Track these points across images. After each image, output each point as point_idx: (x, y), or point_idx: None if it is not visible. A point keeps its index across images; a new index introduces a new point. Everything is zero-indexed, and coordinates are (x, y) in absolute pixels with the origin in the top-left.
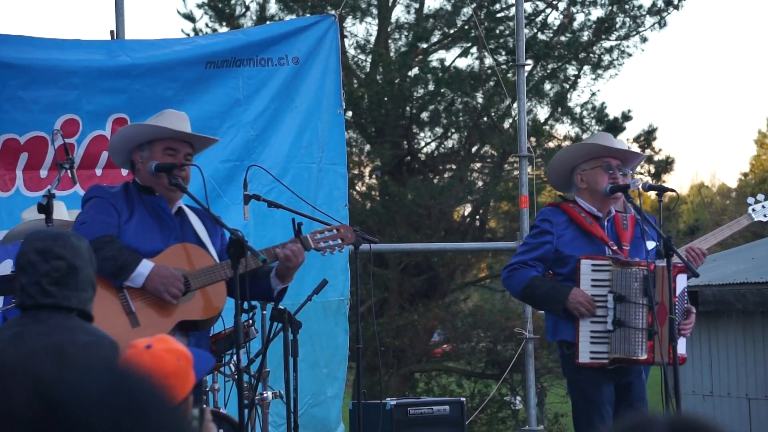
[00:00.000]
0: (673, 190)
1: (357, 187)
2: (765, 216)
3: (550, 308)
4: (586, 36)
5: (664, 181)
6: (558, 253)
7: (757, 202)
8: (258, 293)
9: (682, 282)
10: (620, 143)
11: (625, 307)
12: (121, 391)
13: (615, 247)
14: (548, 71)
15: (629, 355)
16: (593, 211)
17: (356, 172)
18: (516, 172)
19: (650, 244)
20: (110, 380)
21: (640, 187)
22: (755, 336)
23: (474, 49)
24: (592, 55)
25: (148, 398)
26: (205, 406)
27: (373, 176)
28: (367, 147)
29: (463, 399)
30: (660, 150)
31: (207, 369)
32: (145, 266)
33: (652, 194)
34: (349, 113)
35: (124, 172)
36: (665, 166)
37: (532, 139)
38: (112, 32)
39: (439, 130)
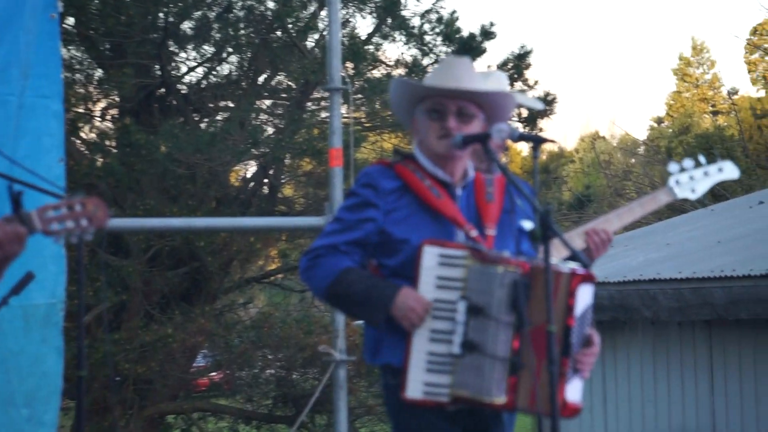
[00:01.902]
0: (553, 142)
1: (82, 133)
2: (693, 190)
3: (367, 315)
4: None
5: (541, 130)
6: (385, 234)
7: (682, 170)
8: None
9: (585, 296)
10: (467, 74)
11: (481, 323)
12: None
13: (474, 232)
14: None
15: (479, 394)
16: (439, 175)
17: (81, 110)
18: (324, 114)
19: (526, 225)
20: None
21: (505, 136)
22: (670, 357)
23: None
24: None
25: None
26: None
27: (109, 116)
28: (99, 73)
29: None
30: (536, 83)
31: None
32: None
33: (524, 147)
34: (71, 20)
35: None
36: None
37: (348, 64)
38: None
39: (208, 50)
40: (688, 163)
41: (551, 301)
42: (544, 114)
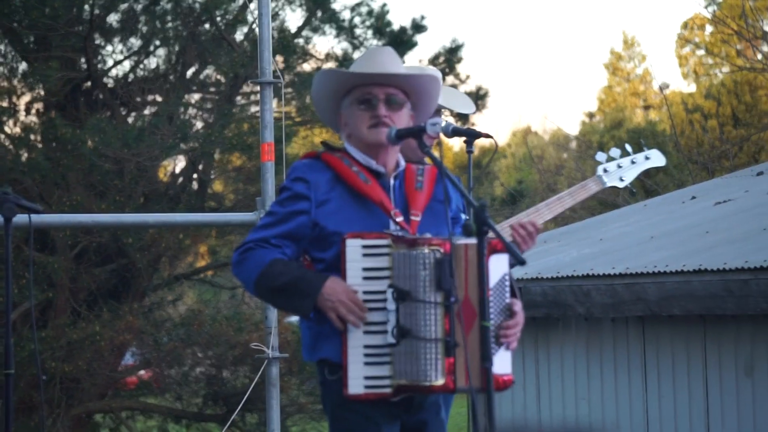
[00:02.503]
0: (489, 136)
1: (6, 128)
2: (621, 179)
3: (294, 306)
4: None
5: (473, 124)
6: (318, 228)
7: (610, 159)
8: None
9: (498, 266)
10: (393, 61)
11: (410, 308)
12: None
13: (400, 218)
14: None
15: (418, 379)
16: (370, 164)
17: (5, 104)
18: (254, 108)
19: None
20: None
21: (440, 131)
22: (603, 354)
23: None
24: None
25: None
26: None
27: (34, 110)
28: (23, 66)
29: None
30: (468, 78)
31: None
32: None
33: (456, 142)
34: None
35: None
36: (475, 101)
37: (279, 58)
38: None
39: (135, 42)
40: (615, 151)
41: (482, 278)
42: (476, 107)
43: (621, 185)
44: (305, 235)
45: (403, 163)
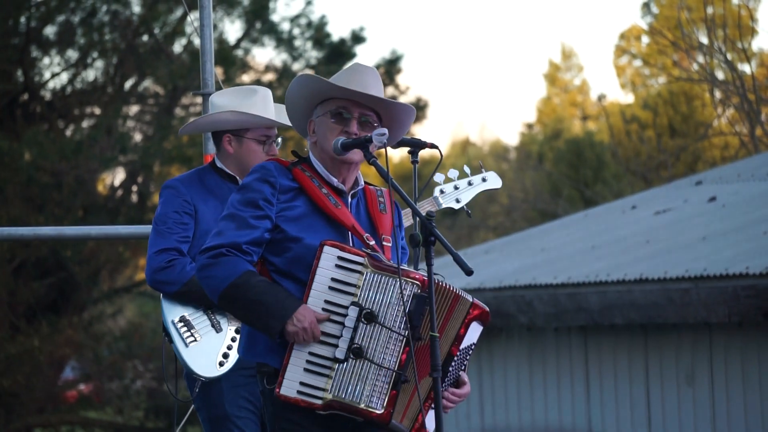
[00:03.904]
0: (434, 146)
1: None
2: (458, 200)
3: (262, 324)
4: None
5: (413, 135)
6: (277, 231)
7: (447, 180)
8: None
9: (474, 333)
10: (376, 83)
11: (373, 331)
12: None
13: (372, 242)
14: None
15: (357, 401)
16: (332, 181)
17: None
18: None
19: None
20: None
21: (386, 141)
22: (546, 363)
23: None
24: None
25: None
26: None
27: None
28: None
29: None
30: (408, 89)
31: None
32: None
33: (398, 153)
34: None
35: None
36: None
37: (219, 69)
38: None
39: (73, 55)
40: (453, 173)
41: (432, 316)
42: (416, 118)
43: (457, 206)
44: (267, 240)
45: (362, 181)
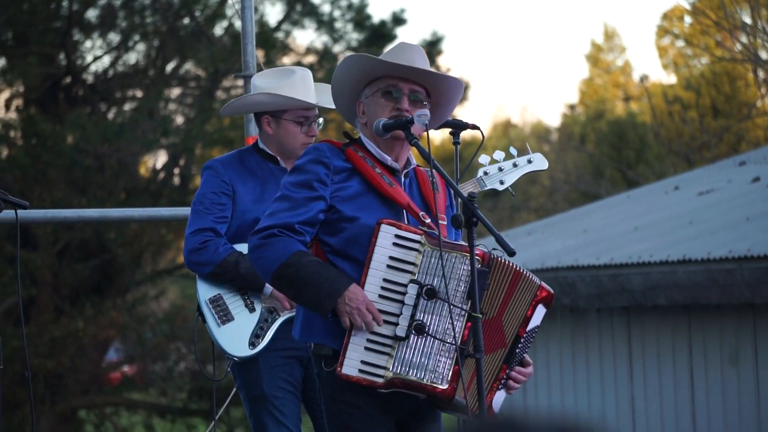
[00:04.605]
0: (476, 127)
1: None
2: (502, 182)
3: (315, 304)
4: None
5: (454, 116)
6: (333, 211)
7: (492, 162)
8: None
9: (539, 315)
10: (423, 60)
11: (434, 307)
12: None
13: (428, 220)
14: None
15: (419, 377)
16: (385, 160)
17: None
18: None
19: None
20: None
21: (427, 122)
22: (589, 345)
23: None
24: None
25: None
26: None
27: (14, 107)
28: (2, 62)
29: None
30: (448, 70)
31: None
32: None
33: (439, 135)
34: None
35: None
36: None
37: (260, 52)
38: None
39: (115, 38)
40: (498, 154)
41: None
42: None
43: (501, 188)
44: (321, 220)
45: (413, 161)
